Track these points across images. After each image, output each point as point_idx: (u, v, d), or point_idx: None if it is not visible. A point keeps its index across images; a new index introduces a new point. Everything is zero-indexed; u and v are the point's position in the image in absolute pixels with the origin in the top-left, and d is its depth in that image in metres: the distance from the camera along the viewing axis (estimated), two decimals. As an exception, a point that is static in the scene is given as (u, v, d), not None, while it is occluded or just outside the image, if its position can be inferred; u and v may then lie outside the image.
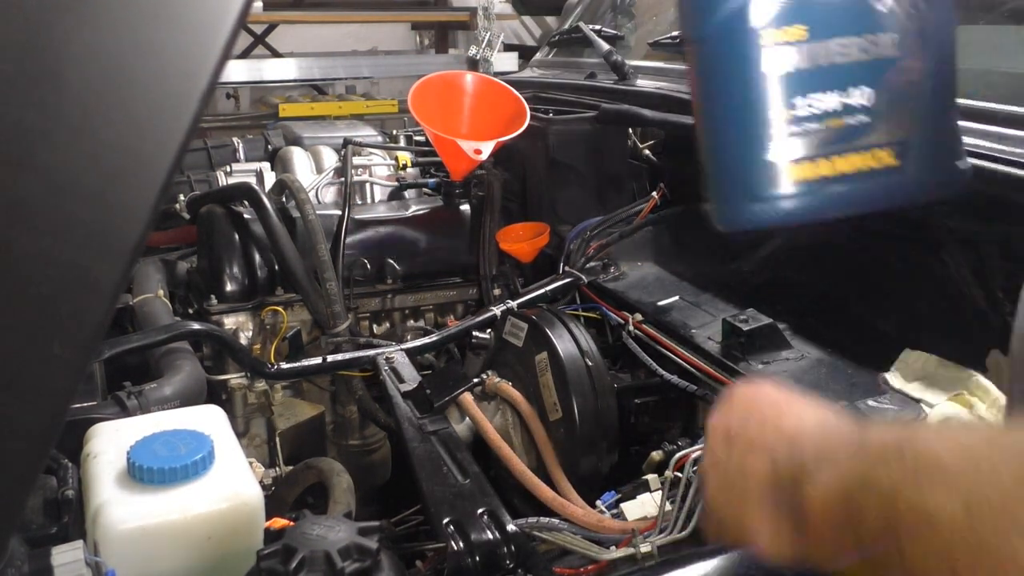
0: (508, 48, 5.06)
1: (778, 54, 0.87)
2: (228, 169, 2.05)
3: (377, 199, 2.05)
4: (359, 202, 2.02)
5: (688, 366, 1.30)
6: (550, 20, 5.60)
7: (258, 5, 4.64)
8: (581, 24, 2.23)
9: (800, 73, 0.87)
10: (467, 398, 1.33)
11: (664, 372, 1.30)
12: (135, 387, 1.24)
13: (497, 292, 1.90)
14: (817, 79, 0.88)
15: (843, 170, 0.88)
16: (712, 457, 0.66)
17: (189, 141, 0.47)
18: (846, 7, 0.89)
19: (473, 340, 1.53)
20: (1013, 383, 0.65)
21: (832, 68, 0.88)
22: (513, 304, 1.54)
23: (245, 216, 1.73)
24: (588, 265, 1.67)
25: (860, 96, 0.88)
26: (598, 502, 1.07)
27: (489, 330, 1.54)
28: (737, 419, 0.66)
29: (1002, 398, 1.02)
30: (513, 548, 0.94)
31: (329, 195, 2.02)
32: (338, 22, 5.71)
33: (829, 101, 0.87)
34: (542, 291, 1.60)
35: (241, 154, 2.21)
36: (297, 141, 2.19)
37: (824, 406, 0.64)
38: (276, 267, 1.71)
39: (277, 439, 1.57)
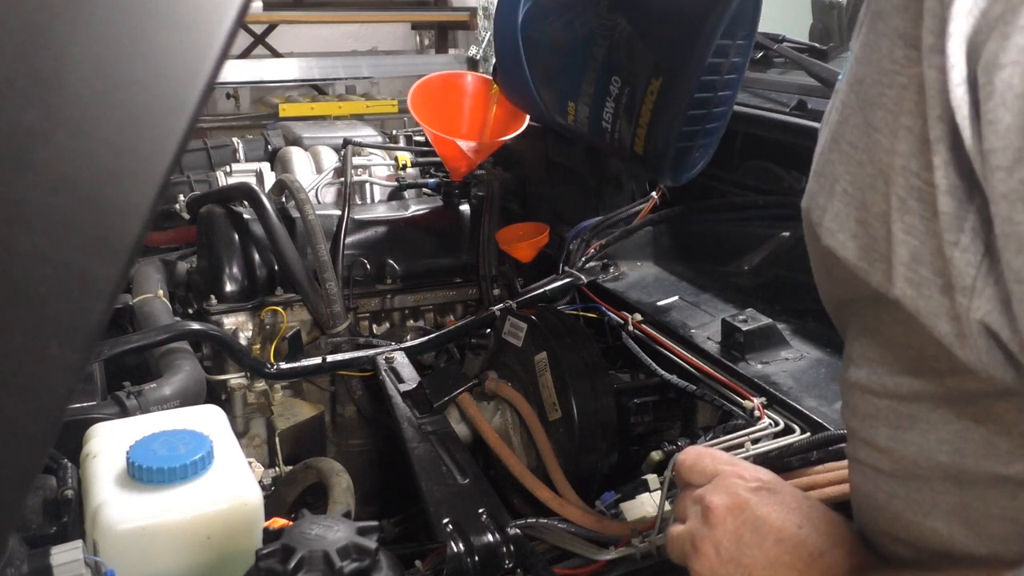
0: (508, 48, 5.04)
1: (578, 118, 1.42)
2: (228, 169, 2.05)
3: (377, 199, 2.05)
4: (359, 202, 2.02)
5: (687, 366, 1.30)
6: (550, 20, 5.59)
7: (258, 5, 4.64)
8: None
9: (592, 114, 1.39)
10: (466, 398, 1.33)
11: (663, 372, 1.30)
12: (135, 387, 1.24)
13: (497, 292, 1.90)
14: (597, 105, 1.37)
15: (646, 117, 1.31)
16: (704, 561, 0.71)
17: (187, 141, 0.47)
18: (567, 63, 1.36)
19: (472, 340, 1.53)
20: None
21: (595, 94, 1.36)
22: (512, 304, 1.54)
23: (245, 216, 1.73)
24: (588, 265, 1.67)
25: (615, 85, 1.32)
26: (597, 502, 1.07)
27: (489, 330, 1.54)
28: (728, 539, 0.70)
29: None
30: (512, 548, 0.94)
31: (329, 195, 2.02)
32: (338, 22, 5.70)
33: (610, 108, 1.37)
34: (541, 291, 1.60)
35: (241, 154, 2.21)
36: (297, 141, 2.19)
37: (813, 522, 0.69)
38: (276, 267, 1.72)
39: (277, 439, 1.57)
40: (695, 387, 1.27)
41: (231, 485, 0.92)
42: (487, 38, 4.73)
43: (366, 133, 2.24)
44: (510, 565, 0.93)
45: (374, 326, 1.86)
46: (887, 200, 0.52)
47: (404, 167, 2.12)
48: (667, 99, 1.27)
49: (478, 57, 4.65)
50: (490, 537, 0.95)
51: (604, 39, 1.28)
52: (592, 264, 1.67)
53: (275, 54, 5.31)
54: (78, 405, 1.18)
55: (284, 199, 1.79)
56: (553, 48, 1.38)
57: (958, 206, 0.47)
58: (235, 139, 2.25)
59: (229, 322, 1.68)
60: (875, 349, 0.61)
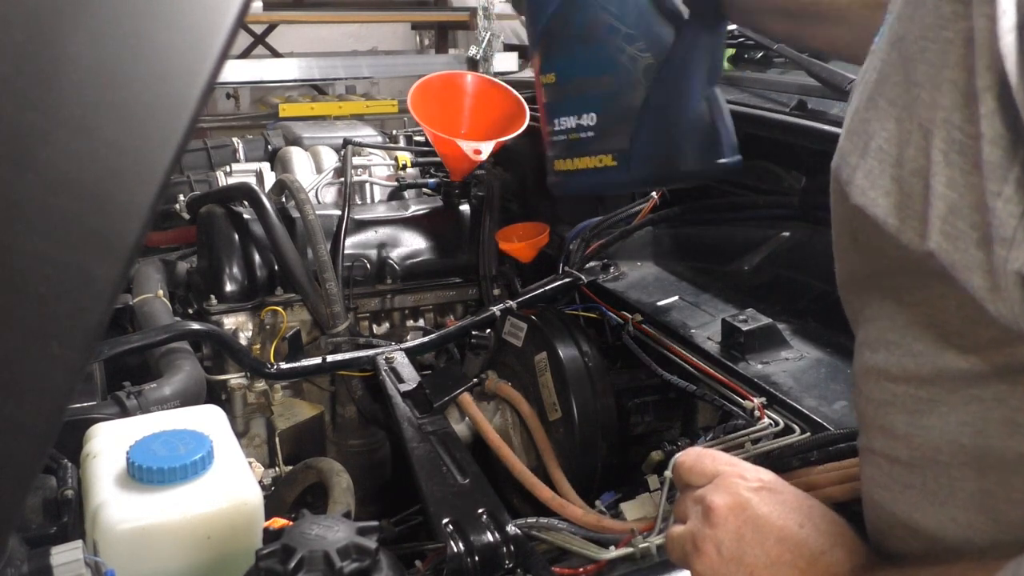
0: (508, 48, 5.07)
1: (544, 91, 1.31)
2: (228, 169, 2.05)
3: (377, 199, 2.05)
4: (359, 202, 2.02)
5: (688, 366, 1.30)
6: (550, 20, 5.60)
7: (258, 5, 4.64)
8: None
9: (552, 104, 1.29)
10: (466, 398, 1.33)
11: (663, 372, 1.30)
12: (135, 387, 1.24)
13: (497, 292, 1.90)
14: (562, 107, 1.27)
15: (580, 167, 1.26)
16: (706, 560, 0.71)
17: (188, 141, 0.47)
18: (582, 57, 1.25)
19: (472, 340, 1.53)
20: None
21: (569, 100, 1.26)
22: (512, 304, 1.54)
23: (245, 216, 1.73)
24: (588, 265, 1.67)
25: (588, 119, 1.24)
26: (597, 502, 1.07)
27: (489, 330, 1.54)
28: (730, 538, 0.70)
29: None
30: (512, 548, 0.94)
31: (329, 195, 2.02)
32: (338, 22, 5.71)
33: (568, 123, 1.26)
34: (542, 291, 1.60)
35: (241, 154, 2.21)
36: (297, 141, 2.19)
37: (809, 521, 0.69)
38: (276, 267, 1.72)
39: (277, 439, 1.57)
40: (695, 387, 1.27)
41: (231, 485, 0.92)
42: (487, 38, 4.73)
43: (366, 133, 2.24)
44: (510, 565, 0.93)
45: (374, 326, 1.86)
46: (926, 155, 0.51)
47: (404, 167, 2.12)
48: (605, 177, 1.26)
49: (478, 57, 4.65)
50: (490, 537, 0.95)
51: (617, 80, 1.22)
52: (592, 264, 1.67)
53: (275, 54, 5.32)
54: (78, 405, 1.18)
55: (284, 199, 1.80)
56: (582, 27, 1.32)
57: (1003, 156, 0.47)
58: (235, 139, 2.25)
59: (229, 322, 1.69)
60: (894, 330, 0.60)
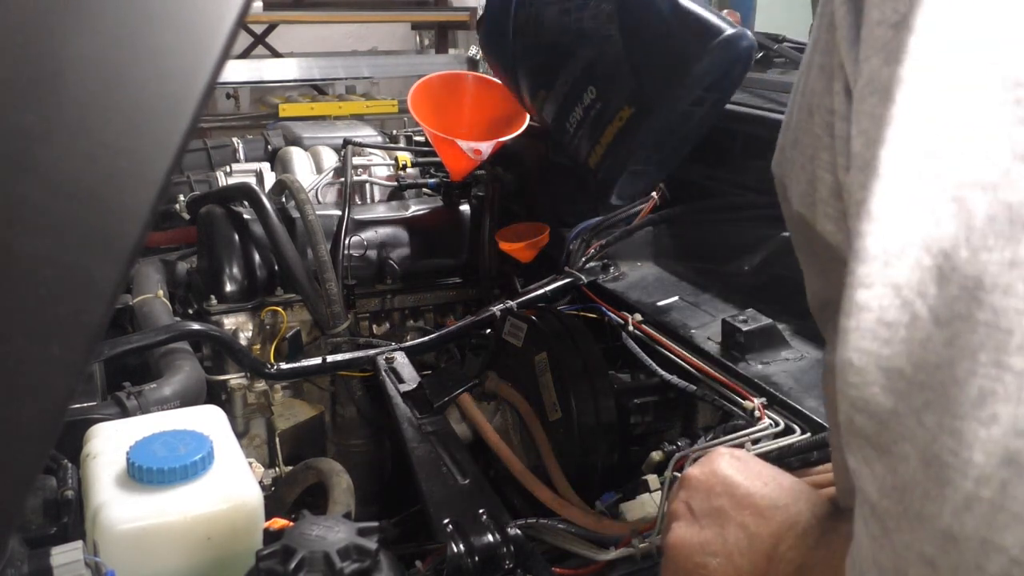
0: (508, 48, 5.05)
1: (544, 111, 1.38)
2: (228, 169, 2.05)
3: (377, 199, 2.05)
4: (359, 202, 2.02)
5: (688, 366, 1.30)
6: (550, 20, 5.60)
7: (258, 5, 4.63)
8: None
9: (554, 112, 1.34)
10: (466, 398, 1.33)
11: (664, 372, 1.30)
12: (135, 387, 1.24)
13: (497, 292, 1.90)
14: (563, 108, 1.31)
15: (607, 140, 1.28)
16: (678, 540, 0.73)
17: (188, 142, 0.47)
18: (557, 50, 1.30)
19: (473, 340, 1.53)
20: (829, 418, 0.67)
21: (564, 97, 1.31)
22: (513, 304, 1.54)
23: (245, 216, 1.73)
24: (588, 265, 1.67)
25: (589, 96, 1.28)
26: (597, 502, 1.07)
27: (489, 330, 1.54)
28: (701, 497, 0.73)
29: None
30: (512, 548, 0.94)
31: (329, 195, 2.02)
32: (338, 22, 5.70)
33: (577, 114, 1.30)
34: (542, 291, 1.60)
35: (241, 154, 2.21)
36: (297, 141, 2.19)
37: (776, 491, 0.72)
38: (276, 267, 1.72)
39: (277, 439, 1.57)
40: (695, 387, 1.27)
41: (231, 485, 0.92)
42: (487, 38, 4.72)
43: (366, 133, 2.24)
44: (510, 565, 0.93)
45: (374, 326, 1.86)
46: (813, 138, 0.51)
47: (404, 167, 2.12)
48: (632, 129, 1.26)
49: (478, 57, 4.65)
50: (490, 537, 0.95)
51: (594, 46, 1.26)
52: (592, 264, 1.67)
53: (275, 54, 5.31)
54: (78, 405, 1.18)
55: (284, 199, 1.79)
56: (543, 29, 1.35)
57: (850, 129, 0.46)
58: (235, 139, 2.25)
59: (229, 322, 1.68)
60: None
